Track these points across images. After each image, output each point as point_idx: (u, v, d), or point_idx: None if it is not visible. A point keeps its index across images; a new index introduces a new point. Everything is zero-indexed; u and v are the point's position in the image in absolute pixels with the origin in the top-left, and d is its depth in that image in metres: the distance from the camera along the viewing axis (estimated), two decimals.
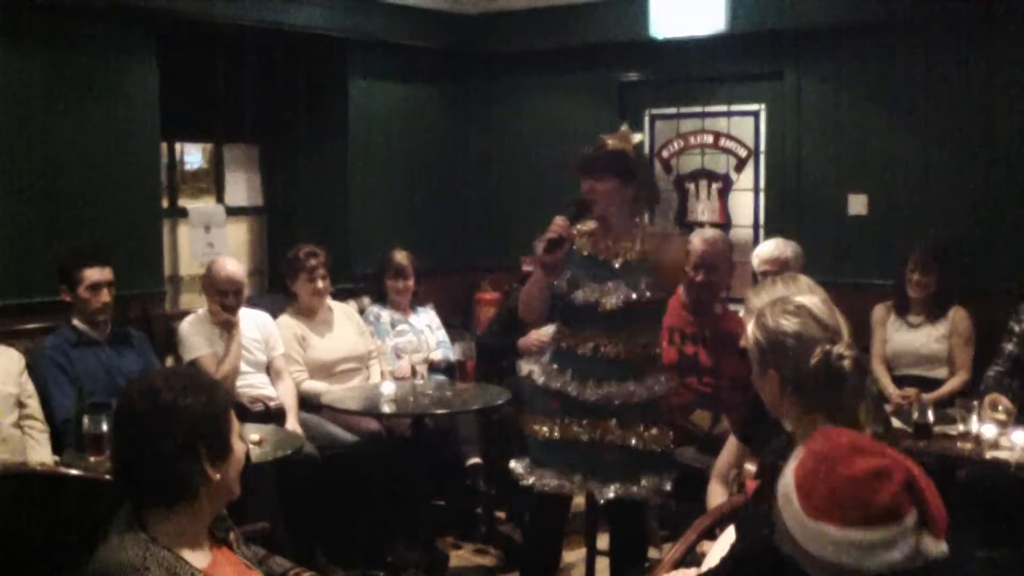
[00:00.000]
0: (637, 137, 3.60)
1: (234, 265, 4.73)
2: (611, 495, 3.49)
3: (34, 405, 3.98)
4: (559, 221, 3.41)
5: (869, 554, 1.62)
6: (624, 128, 3.60)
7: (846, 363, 2.12)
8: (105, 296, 4.25)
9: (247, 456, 2.01)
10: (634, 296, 3.45)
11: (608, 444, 3.49)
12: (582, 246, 3.56)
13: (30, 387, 4.01)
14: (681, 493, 3.61)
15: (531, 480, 3.57)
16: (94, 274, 4.23)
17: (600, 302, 3.47)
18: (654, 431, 3.52)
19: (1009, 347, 4.50)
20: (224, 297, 4.60)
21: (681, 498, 3.70)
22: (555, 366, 3.60)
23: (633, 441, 3.49)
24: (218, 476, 1.90)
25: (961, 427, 3.81)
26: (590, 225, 3.58)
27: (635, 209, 3.58)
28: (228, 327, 4.57)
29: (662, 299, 3.55)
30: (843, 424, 2.19)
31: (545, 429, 3.57)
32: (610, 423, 3.48)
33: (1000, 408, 3.82)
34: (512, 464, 3.66)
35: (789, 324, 2.17)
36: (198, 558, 1.90)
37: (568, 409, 3.53)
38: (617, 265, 3.50)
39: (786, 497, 1.71)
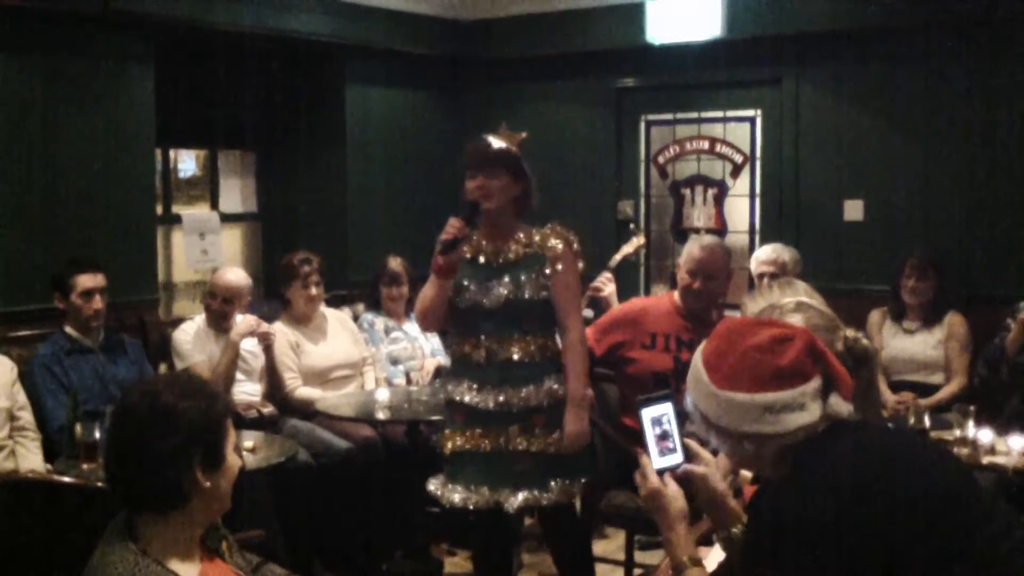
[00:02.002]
0: (521, 135, 3.58)
1: (234, 274, 4.73)
2: (518, 504, 3.40)
3: (26, 416, 3.94)
4: (453, 222, 3.35)
5: (781, 416, 1.67)
6: (503, 126, 3.57)
7: (865, 342, 2.11)
8: (98, 303, 4.22)
9: (241, 468, 2.00)
10: (514, 295, 3.40)
11: (514, 452, 3.42)
12: (468, 250, 3.50)
13: (22, 397, 3.97)
14: None
15: (441, 497, 3.50)
16: (87, 280, 4.20)
17: (482, 303, 3.42)
18: (558, 434, 3.41)
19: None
20: (212, 299, 4.63)
21: None
22: (454, 376, 3.54)
23: (537, 446, 3.41)
24: (208, 484, 1.88)
25: (958, 432, 3.80)
26: (474, 231, 3.51)
27: (519, 208, 3.51)
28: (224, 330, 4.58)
29: (546, 300, 3.44)
30: (866, 406, 2.17)
31: (450, 443, 3.51)
32: (512, 430, 3.42)
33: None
34: (428, 482, 3.59)
35: (799, 321, 2.15)
36: (188, 569, 1.89)
37: (471, 420, 3.46)
38: (499, 265, 3.46)
39: (696, 379, 1.77)
